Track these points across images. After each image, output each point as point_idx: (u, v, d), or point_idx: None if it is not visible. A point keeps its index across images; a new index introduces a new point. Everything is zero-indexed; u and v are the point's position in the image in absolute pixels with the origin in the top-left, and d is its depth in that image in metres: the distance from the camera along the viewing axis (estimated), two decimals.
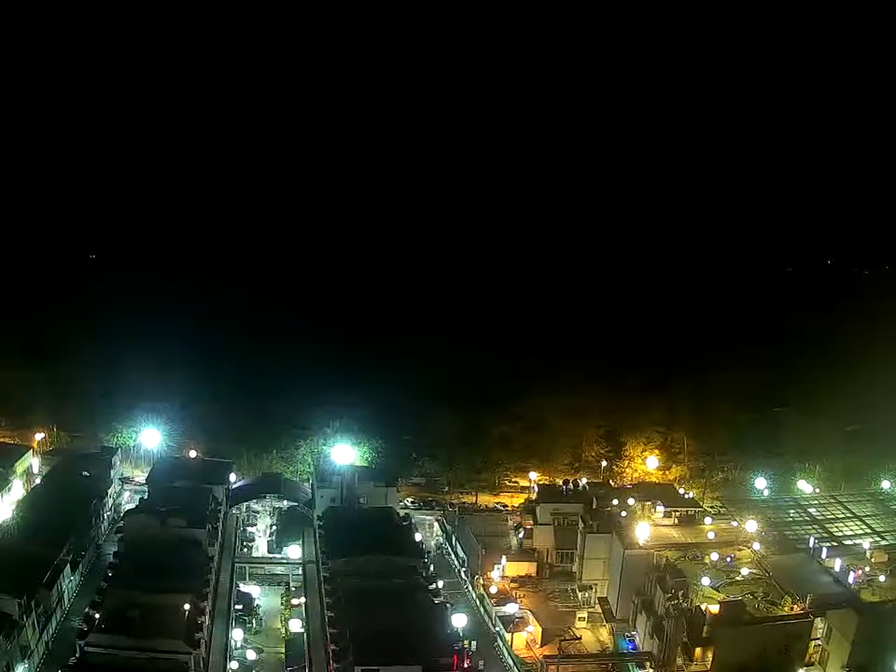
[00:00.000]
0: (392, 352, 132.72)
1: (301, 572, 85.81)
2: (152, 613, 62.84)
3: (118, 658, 58.92)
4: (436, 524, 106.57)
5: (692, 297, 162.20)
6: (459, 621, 72.16)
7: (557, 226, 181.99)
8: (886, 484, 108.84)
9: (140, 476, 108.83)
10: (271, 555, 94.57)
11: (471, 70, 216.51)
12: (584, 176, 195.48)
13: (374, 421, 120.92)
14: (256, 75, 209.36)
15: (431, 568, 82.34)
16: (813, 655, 71.84)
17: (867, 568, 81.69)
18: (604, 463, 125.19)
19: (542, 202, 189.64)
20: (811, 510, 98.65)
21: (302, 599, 79.81)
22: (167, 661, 59.64)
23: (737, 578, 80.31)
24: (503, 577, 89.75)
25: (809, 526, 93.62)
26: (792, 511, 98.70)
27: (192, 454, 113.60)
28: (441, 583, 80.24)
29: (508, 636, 78.64)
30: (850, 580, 78.23)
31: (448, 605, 74.29)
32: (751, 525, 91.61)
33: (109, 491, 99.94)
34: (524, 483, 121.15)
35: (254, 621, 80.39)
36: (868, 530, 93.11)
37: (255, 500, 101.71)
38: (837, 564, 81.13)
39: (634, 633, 79.81)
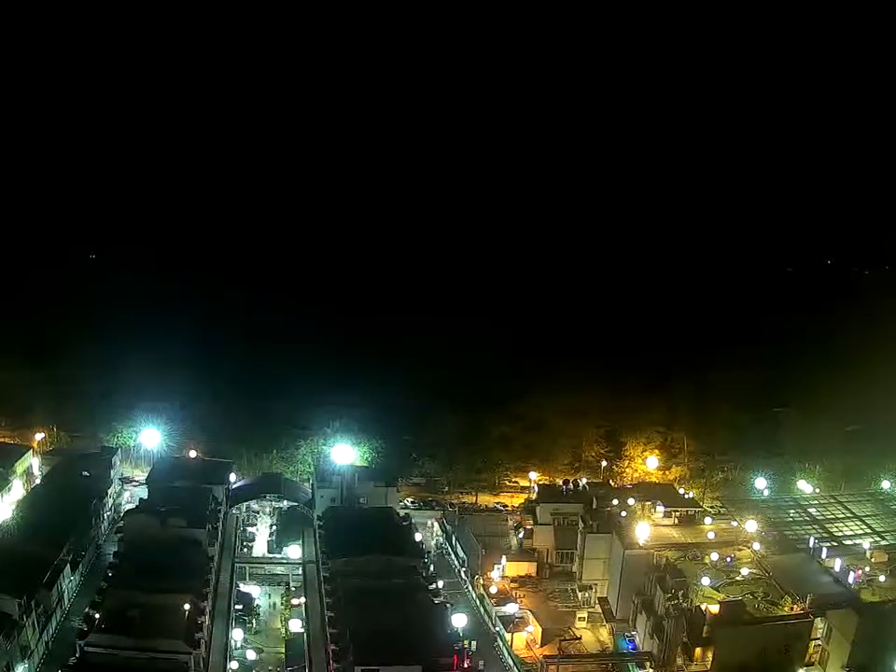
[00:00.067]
0: (392, 352, 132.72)
1: (301, 572, 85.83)
2: (152, 613, 62.90)
3: (118, 658, 58.98)
4: (436, 524, 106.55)
5: (692, 297, 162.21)
6: (459, 621, 72.20)
7: (557, 226, 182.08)
8: (886, 484, 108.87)
9: (140, 476, 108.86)
10: (271, 555, 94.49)
11: (471, 70, 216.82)
12: (584, 177, 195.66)
13: (374, 421, 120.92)
14: (256, 75, 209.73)
15: (431, 568, 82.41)
16: (813, 655, 71.86)
17: (867, 568, 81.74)
18: (604, 463, 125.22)
19: (542, 202, 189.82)
20: (811, 510, 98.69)
21: (302, 599, 79.83)
22: (167, 661, 59.70)
23: (737, 578, 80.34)
24: (503, 577, 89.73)
25: (809, 526, 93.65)
26: (792, 510, 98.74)
27: (192, 454, 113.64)
28: (440, 583, 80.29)
29: (508, 636, 78.64)
30: (850, 580, 78.26)
31: (448, 605, 74.34)
32: (751, 525, 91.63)
33: (109, 491, 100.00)
34: (524, 483, 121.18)
35: (254, 621, 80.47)
36: (868, 530, 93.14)
37: (255, 500, 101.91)
38: (837, 564, 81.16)
39: (634, 633, 79.80)
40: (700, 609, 72.58)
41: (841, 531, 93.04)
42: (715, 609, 72.74)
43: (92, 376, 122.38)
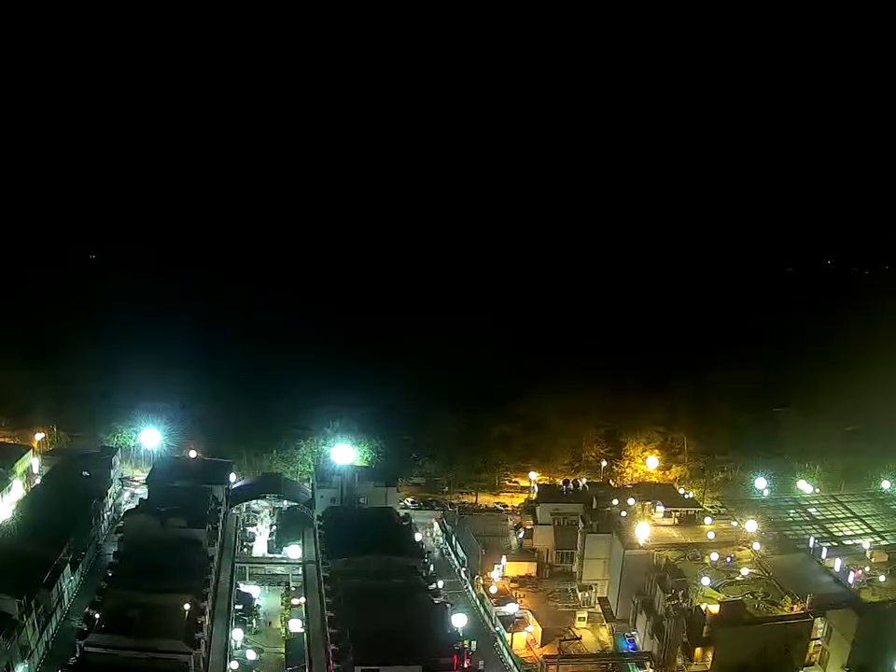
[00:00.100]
0: (392, 352, 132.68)
1: (301, 572, 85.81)
2: (152, 613, 62.87)
3: (118, 658, 58.93)
4: (436, 524, 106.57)
5: (691, 297, 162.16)
6: (459, 621, 72.15)
7: (557, 226, 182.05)
8: (886, 484, 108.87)
9: (140, 476, 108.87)
10: (271, 555, 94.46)
11: (471, 70, 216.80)
12: (584, 177, 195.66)
13: (374, 421, 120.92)
14: (256, 75, 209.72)
15: (431, 568, 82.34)
16: (813, 655, 71.84)
17: (867, 568, 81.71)
18: (604, 463, 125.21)
19: (542, 202, 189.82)
20: (811, 510, 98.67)
21: (302, 599, 79.80)
22: (167, 661, 59.65)
23: (737, 578, 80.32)
24: (503, 577, 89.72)
25: (809, 526, 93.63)
26: (792, 510, 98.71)
27: (192, 454, 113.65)
28: (441, 583, 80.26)
29: (508, 636, 78.63)
30: (850, 580, 78.24)
31: (448, 605, 74.30)
32: (751, 525, 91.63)
33: (109, 491, 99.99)
34: (524, 483, 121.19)
35: (254, 621, 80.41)
36: (868, 530, 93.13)
37: (255, 500, 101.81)
38: (837, 564, 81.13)
39: (634, 633, 79.79)
40: (700, 608, 72.58)
41: (841, 531, 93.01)
42: (715, 609, 72.71)
43: (92, 376, 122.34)
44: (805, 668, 71.11)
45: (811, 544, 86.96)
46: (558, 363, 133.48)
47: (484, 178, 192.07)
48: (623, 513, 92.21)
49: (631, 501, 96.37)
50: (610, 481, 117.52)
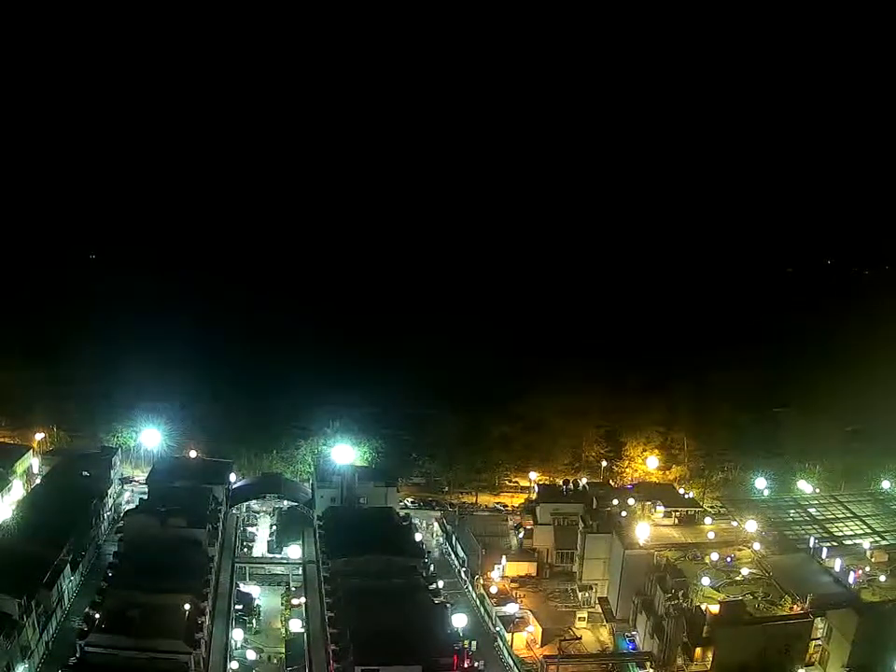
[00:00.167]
0: (392, 352, 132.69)
1: (301, 572, 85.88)
2: (152, 613, 62.93)
3: (118, 658, 59.02)
4: (436, 524, 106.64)
5: (692, 297, 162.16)
6: (459, 621, 72.21)
7: (557, 226, 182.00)
8: (886, 484, 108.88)
9: (140, 476, 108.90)
10: (271, 555, 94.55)
11: (471, 70, 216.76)
12: (585, 177, 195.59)
13: (374, 421, 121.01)
14: (256, 75, 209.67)
15: (431, 568, 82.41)
16: (813, 655, 71.92)
17: (867, 568, 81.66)
18: (604, 463, 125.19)
19: (542, 202, 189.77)
20: (811, 510, 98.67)
21: (302, 599, 79.83)
22: (167, 661, 59.74)
23: (737, 578, 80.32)
24: (503, 577, 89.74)
25: (809, 526, 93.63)
26: (792, 511, 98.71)
27: (192, 454, 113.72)
28: (441, 583, 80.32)
29: (508, 636, 78.67)
30: (850, 580, 78.18)
31: (448, 605, 74.32)
32: (751, 525, 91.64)
33: (109, 491, 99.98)
34: (524, 483, 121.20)
35: (254, 621, 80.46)
36: (868, 530, 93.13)
37: (255, 500, 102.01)
38: (837, 564, 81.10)
39: (634, 633, 79.83)
40: (700, 608, 72.60)
41: (841, 531, 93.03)
42: (715, 608, 72.74)
43: (92, 376, 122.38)
44: (805, 668, 71.16)
45: (811, 544, 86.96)
46: (558, 363, 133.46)
47: (484, 178, 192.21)
48: (623, 513, 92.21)
49: (631, 501, 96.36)
50: (610, 481, 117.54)
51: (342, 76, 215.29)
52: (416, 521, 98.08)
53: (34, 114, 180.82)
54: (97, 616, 63.88)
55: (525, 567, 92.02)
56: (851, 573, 79.36)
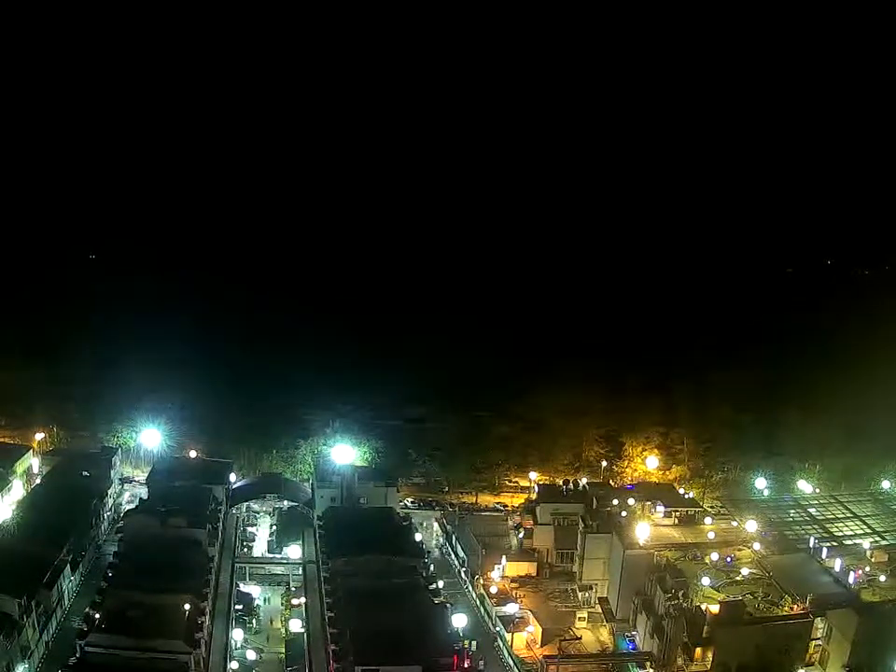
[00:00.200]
0: (392, 352, 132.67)
1: (301, 572, 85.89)
2: (152, 613, 63.00)
3: (118, 658, 59.08)
4: (436, 524, 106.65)
5: (692, 297, 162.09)
6: (459, 621, 72.19)
7: (557, 226, 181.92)
8: (886, 484, 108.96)
9: (140, 476, 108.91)
10: (271, 555, 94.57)
11: (471, 70, 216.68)
12: (585, 177, 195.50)
13: (374, 421, 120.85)
14: (256, 75, 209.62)
15: (431, 568, 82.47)
16: (813, 655, 71.94)
17: (867, 568, 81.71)
18: (604, 463, 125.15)
19: (543, 202, 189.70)
20: (811, 510, 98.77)
21: (302, 599, 79.82)
22: (167, 661, 59.82)
23: (737, 578, 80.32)
24: (503, 577, 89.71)
25: (809, 526, 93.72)
26: (792, 511, 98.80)
27: (192, 454, 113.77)
28: (441, 583, 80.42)
29: (508, 636, 78.70)
30: (850, 580, 78.21)
31: (448, 605, 74.38)
32: (751, 525, 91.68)
33: (109, 491, 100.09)
34: (524, 483, 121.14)
35: (254, 621, 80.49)
36: (868, 530, 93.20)
37: (255, 500, 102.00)
38: (837, 564, 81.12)
39: (634, 633, 79.84)
40: (700, 608, 72.61)
41: (841, 531, 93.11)
42: (715, 608, 72.75)
43: (92, 376, 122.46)
44: (805, 668, 71.17)
45: (811, 544, 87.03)
46: (558, 363, 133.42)
47: (485, 178, 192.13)
48: (623, 513, 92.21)
49: (631, 501, 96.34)
50: (610, 481, 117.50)
51: (342, 76, 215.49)
52: (416, 521, 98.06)
53: (34, 114, 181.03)
54: (97, 616, 63.94)
55: (525, 567, 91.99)
56: (851, 573, 79.39)
